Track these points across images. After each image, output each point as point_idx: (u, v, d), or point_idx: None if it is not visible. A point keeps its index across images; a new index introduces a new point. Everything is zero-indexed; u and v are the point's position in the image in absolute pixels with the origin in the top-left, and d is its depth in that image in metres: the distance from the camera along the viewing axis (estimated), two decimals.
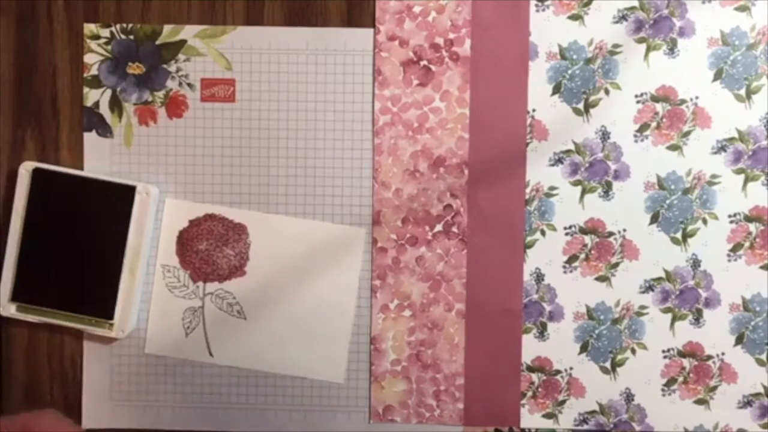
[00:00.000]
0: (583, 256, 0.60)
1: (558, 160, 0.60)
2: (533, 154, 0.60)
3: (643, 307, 0.60)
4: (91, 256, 0.58)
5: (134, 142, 0.60)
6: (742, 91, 0.59)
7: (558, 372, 0.60)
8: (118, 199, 0.58)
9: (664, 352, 0.60)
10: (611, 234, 0.60)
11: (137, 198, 0.58)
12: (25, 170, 0.58)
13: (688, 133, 0.59)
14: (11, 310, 0.58)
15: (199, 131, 0.60)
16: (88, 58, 0.60)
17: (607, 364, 0.60)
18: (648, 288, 0.60)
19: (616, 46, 0.59)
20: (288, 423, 0.60)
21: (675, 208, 0.59)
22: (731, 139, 0.59)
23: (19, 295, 0.58)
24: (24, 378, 0.60)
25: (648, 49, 0.59)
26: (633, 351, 0.60)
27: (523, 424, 0.60)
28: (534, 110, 0.60)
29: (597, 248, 0.60)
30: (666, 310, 0.60)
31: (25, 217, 0.58)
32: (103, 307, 0.58)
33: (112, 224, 0.58)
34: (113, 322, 0.58)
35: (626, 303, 0.60)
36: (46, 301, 0.58)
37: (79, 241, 0.58)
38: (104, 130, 0.60)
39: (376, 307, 0.60)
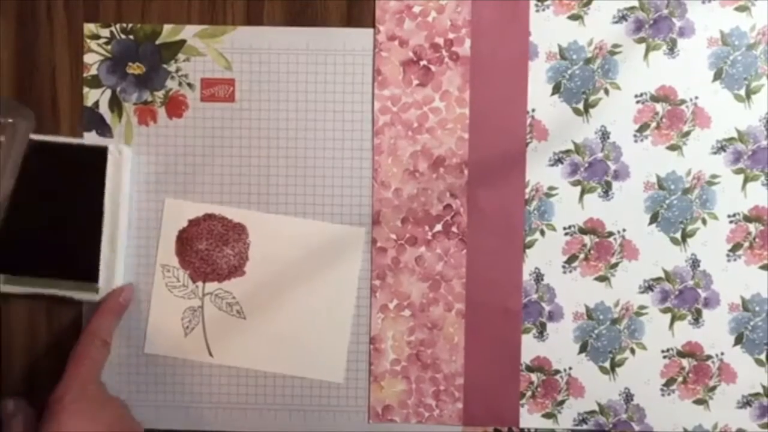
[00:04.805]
0: (582, 256, 0.60)
1: (558, 160, 0.60)
2: (533, 154, 0.60)
3: (642, 307, 0.60)
4: (71, 220, 0.58)
5: (134, 142, 0.60)
6: (742, 91, 0.59)
7: (557, 372, 0.60)
8: (91, 162, 0.58)
9: (663, 352, 0.60)
10: (611, 234, 0.60)
11: (110, 158, 0.58)
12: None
13: (687, 133, 0.59)
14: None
15: (199, 131, 0.60)
16: (88, 58, 0.60)
17: (607, 364, 0.60)
18: (647, 288, 0.60)
19: (616, 46, 0.59)
20: (288, 423, 0.60)
21: (675, 208, 0.59)
22: (731, 139, 0.59)
23: (4, 266, 0.58)
24: (23, 369, 0.61)
25: (648, 49, 0.59)
26: (632, 351, 0.60)
27: (523, 424, 0.60)
28: (534, 110, 0.60)
29: (596, 248, 0.60)
30: (665, 310, 0.60)
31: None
32: (87, 271, 0.58)
33: (89, 187, 0.58)
34: (98, 285, 0.58)
35: (626, 303, 0.60)
36: (32, 270, 0.58)
37: (58, 206, 0.58)
38: (104, 130, 0.60)
39: (375, 307, 0.60)
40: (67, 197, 0.58)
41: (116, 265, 0.59)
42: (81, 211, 0.58)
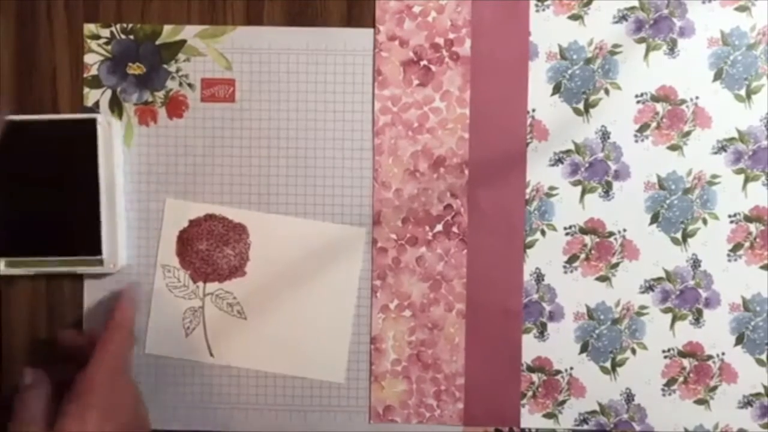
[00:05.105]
0: (583, 256, 0.60)
1: (558, 160, 0.60)
2: (533, 154, 0.60)
3: (643, 307, 0.60)
4: (68, 196, 0.57)
5: (134, 142, 0.60)
6: (742, 91, 0.59)
7: (558, 372, 0.60)
8: (81, 134, 0.57)
9: (664, 352, 0.60)
10: (611, 234, 0.60)
11: (100, 129, 0.57)
12: None
13: (688, 133, 0.59)
14: (1, 267, 0.58)
15: (199, 131, 0.60)
16: (88, 58, 0.60)
17: (608, 364, 0.60)
18: (648, 288, 0.60)
19: (616, 46, 0.59)
20: (288, 423, 0.60)
21: (675, 208, 0.59)
22: (731, 139, 0.59)
23: (5, 250, 0.58)
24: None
25: (648, 49, 0.59)
26: (633, 351, 0.60)
27: (524, 424, 0.60)
28: (534, 110, 0.60)
29: (597, 248, 0.60)
30: (666, 310, 0.60)
31: None
32: (90, 244, 0.57)
33: (81, 160, 0.57)
34: (102, 257, 0.58)
35: (626, 303, 0.60)
36: (33, 250, 0.58)
37: (54, 184, 0.57)
38: None
39: (376, 307, 0.60)
40: (61, 173, 0.57)
41: (118, 236, 0.59)
42: (77, 186, 0.57)
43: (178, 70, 0.60)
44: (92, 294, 0.60)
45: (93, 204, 0.57)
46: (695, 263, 0.60)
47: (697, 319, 0.60)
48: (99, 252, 0.58)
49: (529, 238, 0.60)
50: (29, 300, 0.60)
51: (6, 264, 0.58)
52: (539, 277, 0.60)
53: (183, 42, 0.60)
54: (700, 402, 0.60)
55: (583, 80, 0.59)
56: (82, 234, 0.58)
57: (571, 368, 0.60)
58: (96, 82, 0.60)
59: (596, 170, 0.60)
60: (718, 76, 0.59)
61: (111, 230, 0.58)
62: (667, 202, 0.59)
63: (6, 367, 0.60)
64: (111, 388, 0.53)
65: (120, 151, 0.60)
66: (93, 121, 0.57)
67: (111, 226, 0.58)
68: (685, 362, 0.60)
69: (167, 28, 0.60)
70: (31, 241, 0.58)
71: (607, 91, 0.59)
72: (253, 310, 0.60)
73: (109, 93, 0.60)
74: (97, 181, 0.57)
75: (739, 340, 0.59)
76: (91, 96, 0.60)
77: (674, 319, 0.60)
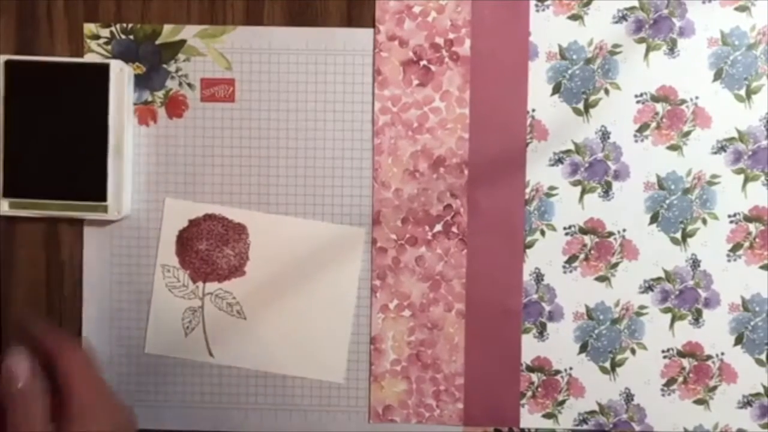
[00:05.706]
0: (582, 256, 0.60)
1: (558, 160, 0.60)
2: (533, 154, 0.60)
3: (642, 307, 0.60)
4: (77, 140, 0.57)
5: (134, 142, 0.60)
6: (742, 91, 0.59)
7: (558, 372, 0.60)
8: (93, 80, 0.57)
9: (663, 352, 0.60)
10: (611, 234, 0.60)
11: (112, 75, 0.57)
12: None
13: (688, 133, 0.59)
14: (4, 207, 0.58)
15: (199, 131, 0.60)
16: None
17: (607, 364, 0.60)
18: (648, 288, 0.60)
19: (616, 46, 0.59)
20: (288, 423, 0.60)
21: (675, 208, 0.59)
22: (731, 139, 0.59)
23: (10, 190, 0.58)
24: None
25: (648, 49, 0.59)
26: (633, 351, 0.60)
27: (523, 424, 0.60)
28: (534, 110, 0.60)
29: (597, 248, 0.60)
30: (665, 310, 0.60)
31: (5, 112, 0.57)
32: (95, 190, 0.57)
33: (92, 105, 0.57)
34: (107, 203, 0.58)
35: (626, 303, 0.60)
36: (38, 192, 0.58)
37: (63, 127, 0.57)
38: None
39: (375, 307, 0.60)
40: (70, 117, 0.57)
41: (124, 184, 0.59)
42: (85, 131, 0.57)
43: (177, 70, 0.60)
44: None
45: (101, 150, 0.57)
46: (695, 263, 0.60)
47: (697, 319, 0.60)
48: (104, 198, 0.58)
49: (528, 238, 0.60)
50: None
51: (10, 205, 0.58)
52: (539, 277, 0.60)
53: (183, 42, 0.60)
54: (700, 402, 0.60)
55: (583, 80, 0.59)
56: (90, 179, 0.57)
57: (571, 368, 0.60)
58: None
59: (596, 170, 0.60)
60: (718, 76, 0.59)
61: (117, 177, 0.58)
62: (667, 202, 0.59)
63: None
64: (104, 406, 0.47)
65: (131, 99, 0.59)
66: (106, 67, 0.57)
67: (118, 174, 0.58)
68: (685, 362, 0.60)
69: (167, 28, 0.60)
70: (38, 184, 0.58)
71: (606, 91, 0.59)
72: (253, 309, 0.60)
73: None
74: (106, 128, 0.57)
75: (739, 340, 0.59)
76: None
77: (674, 319, 0.60)
